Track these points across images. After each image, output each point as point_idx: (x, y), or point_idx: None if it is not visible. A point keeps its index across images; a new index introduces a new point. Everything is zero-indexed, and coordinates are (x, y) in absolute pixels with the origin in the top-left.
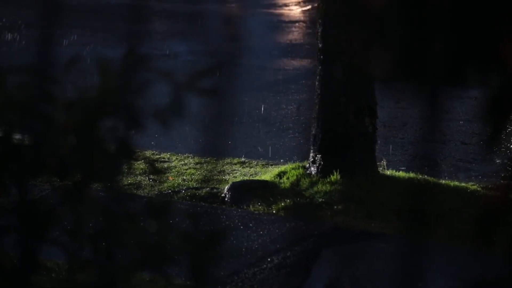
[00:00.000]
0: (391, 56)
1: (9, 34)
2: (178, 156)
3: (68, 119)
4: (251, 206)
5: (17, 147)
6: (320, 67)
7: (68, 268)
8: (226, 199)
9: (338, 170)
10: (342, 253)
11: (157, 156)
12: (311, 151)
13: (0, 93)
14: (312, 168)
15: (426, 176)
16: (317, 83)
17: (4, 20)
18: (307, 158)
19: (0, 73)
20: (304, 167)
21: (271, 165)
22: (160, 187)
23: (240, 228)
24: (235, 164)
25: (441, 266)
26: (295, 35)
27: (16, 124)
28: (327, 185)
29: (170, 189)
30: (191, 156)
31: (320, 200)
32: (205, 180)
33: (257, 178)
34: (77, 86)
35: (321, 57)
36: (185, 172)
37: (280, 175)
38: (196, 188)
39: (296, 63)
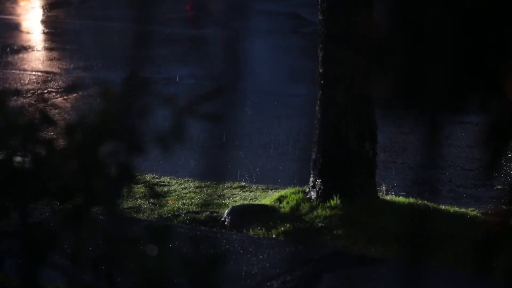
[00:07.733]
0: (391, 81)
1: (12, 57)
2: (178, 180)
3: (69, 143)
4: (251, 230)
5: (18, 170)
6: (320, 92)
7: None
8: (226, 223)
9: (338, 195)
10: (342, 277)
11: (157, 180)
12: (311, 175)
13: (1, 116)
14: (312, 193)
15: (426, 201)
16: (317, 107)
17: (6, 43)
18: (307, 182)
19: (1, 96)
20: (304, 192)
21: (271, 189)
22: (160, 210)
23: (240, 252)
24: (235, 188)
25: None
26: None
27: (17, 147)
28: (327, 210)
29: (170, 213)
30: (191, 180)
31: (320, 224)
32: (205, 204)
33: (257, 202)
34: (79, 110)
35: (322, 82)
36: (185, 196)
37: (280, 199)
38: (196, 212)
39: None
